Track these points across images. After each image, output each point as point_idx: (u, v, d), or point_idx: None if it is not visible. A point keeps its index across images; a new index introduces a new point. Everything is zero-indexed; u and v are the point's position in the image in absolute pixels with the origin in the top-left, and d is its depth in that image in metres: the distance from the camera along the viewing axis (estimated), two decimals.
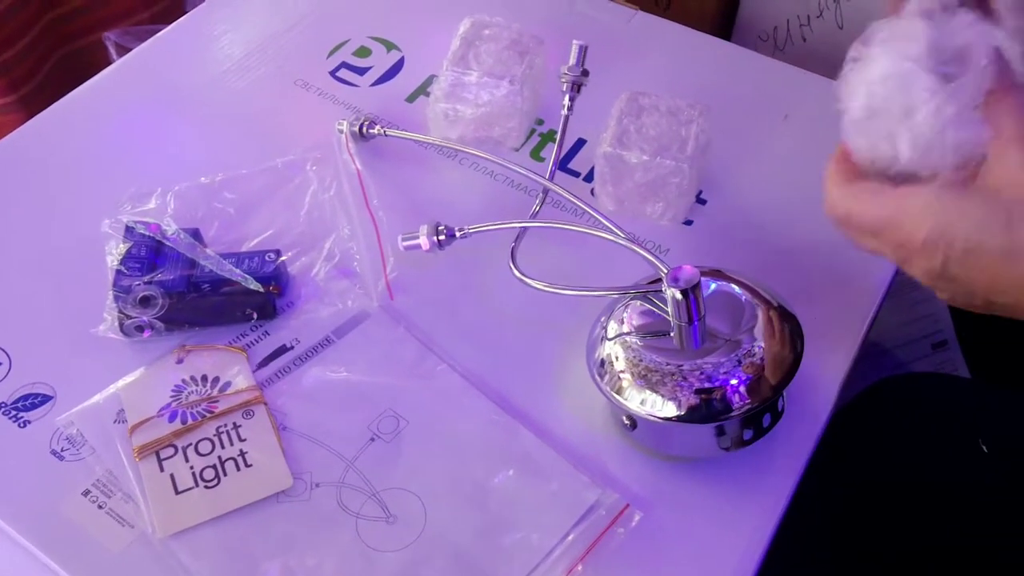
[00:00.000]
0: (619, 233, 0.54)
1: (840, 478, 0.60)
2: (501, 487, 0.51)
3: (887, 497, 0.59)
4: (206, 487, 0.50)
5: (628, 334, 0.51)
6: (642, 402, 0.49)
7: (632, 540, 0.50)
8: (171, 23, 0.78)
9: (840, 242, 0.62)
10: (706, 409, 0.49)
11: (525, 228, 0.59)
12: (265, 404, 0.54)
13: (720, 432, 0.51)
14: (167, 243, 0.57)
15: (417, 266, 0.60)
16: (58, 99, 0.72)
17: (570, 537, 0.49)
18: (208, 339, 0.57)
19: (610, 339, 0.52)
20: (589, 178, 0.66)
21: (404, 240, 0.58)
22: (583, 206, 0.57)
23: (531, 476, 0.51)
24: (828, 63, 0.93)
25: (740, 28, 1.00)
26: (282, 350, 0.57)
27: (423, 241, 0.58)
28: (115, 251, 0.57)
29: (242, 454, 0.52)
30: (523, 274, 0.55)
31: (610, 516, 0.50)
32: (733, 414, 0.49)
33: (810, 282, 0.60)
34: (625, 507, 0.50)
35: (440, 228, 0.57)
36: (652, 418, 0.49)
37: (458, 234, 0.58)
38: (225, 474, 0.51)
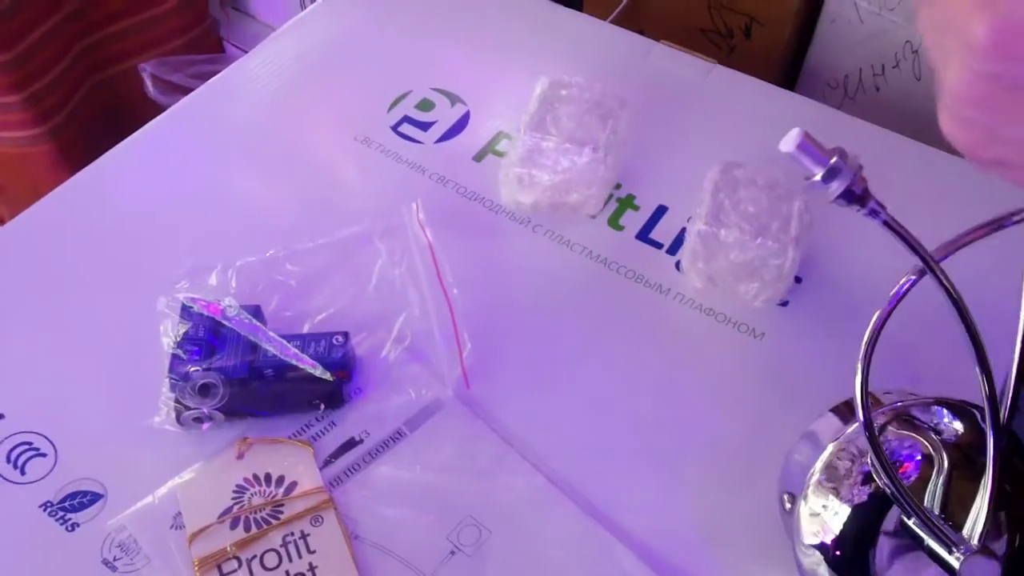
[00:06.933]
0: None
1: None
2: None
3: None
4: None
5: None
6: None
7: None
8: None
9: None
10: None
11: None
12: (335, 509, 0.49)
13: None
14: (227, 323, 0.53)
15: (496, 348, 0.56)
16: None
17: None
18: (270, 429, 0.52)
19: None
20: (672, 250, 0.62)
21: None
22: None
23: None
24: (902, 114, 0.89)
25: (807, 74, 0.96)
26: (350, 443, 0.52)
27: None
28: (171, 332, 0.52)
29: (311, 568, 0.47)
30: None
31: None
32: None
33: (928, 369, 0.54)
34: None
35: None
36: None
37: None
38: None
